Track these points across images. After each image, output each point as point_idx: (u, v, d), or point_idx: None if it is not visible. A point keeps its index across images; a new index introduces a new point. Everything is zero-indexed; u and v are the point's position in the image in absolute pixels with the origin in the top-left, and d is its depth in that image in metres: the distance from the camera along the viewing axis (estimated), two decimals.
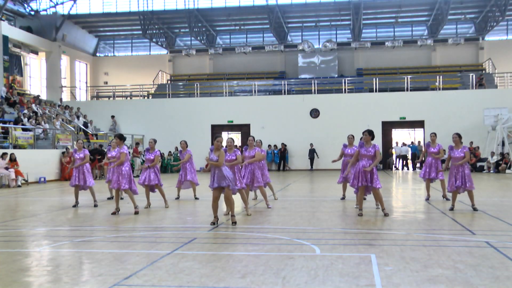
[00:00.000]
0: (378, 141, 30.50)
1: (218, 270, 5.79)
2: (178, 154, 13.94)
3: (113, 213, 10.88)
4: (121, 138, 11.34)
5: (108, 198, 14.18)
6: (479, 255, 6.47)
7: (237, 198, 10.67)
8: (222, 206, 10.63)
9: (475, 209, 10.84)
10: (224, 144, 9.44)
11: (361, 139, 11.45)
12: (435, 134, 13.39)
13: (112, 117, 32.95)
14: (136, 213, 10.90)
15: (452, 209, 11.00)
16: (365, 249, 6.97)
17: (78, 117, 30.69)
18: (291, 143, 31.07)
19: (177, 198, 13.91)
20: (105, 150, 25.08)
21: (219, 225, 9.15)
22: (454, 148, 11.01)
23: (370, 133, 10.19)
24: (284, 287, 5.14)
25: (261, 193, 11.92)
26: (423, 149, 30.73)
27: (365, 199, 11.95)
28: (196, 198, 13.85)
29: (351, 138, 12.99)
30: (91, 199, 12.95)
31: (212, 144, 9.29)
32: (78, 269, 6.06)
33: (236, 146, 11.18)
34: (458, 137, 11.07)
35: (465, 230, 8.50)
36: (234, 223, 9.11)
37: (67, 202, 14.04)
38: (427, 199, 13.12)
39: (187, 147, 13.94)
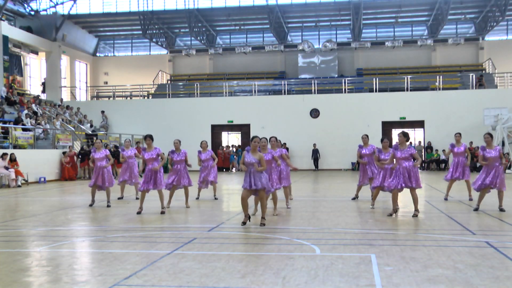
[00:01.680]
0: (378, 141, 30.54)
1: (218, 270, 5.79)
2: (199, 155, 13.83)
3: (162, 212, 10.92)
4: (152, 138, 11.33)
5: (119, 198, 14.19)
6: (479, 255, 6.47)
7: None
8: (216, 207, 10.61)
9: (502, 210, 10.67)
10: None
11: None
12: (460, 134, 13.28)
13: (102, 112, 32.86)
14: (163, 213, 10.93)
15: (477, 209, 10.88)
16: (365, 249, 6.97)
17: (81, 122, 30.65)
18: (291, 143, 31.04)
19: (198, 198, 14.00)
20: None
21: (246, 223, 9.05)
22: (487, 148, 10.89)
23: (405, 135, 10.08)
24: (284, 287, 5.14)
25: (273, 197, 11.75)
26: (422, 151, 30.84)
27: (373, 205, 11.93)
28: (216, 198, 13.91)
29: (365, 138, 12.89)
30: (92, 199, 12.93)
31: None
32: (78, 269, 6.06)
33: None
34: (490, 137, 10.96)
35: (465, 230, 8.50)
36: (263, 224, 8.98)
37: (67, 202, 14.06)
38: (446, 199, 13.07)
39: (207, 147, 13.97)
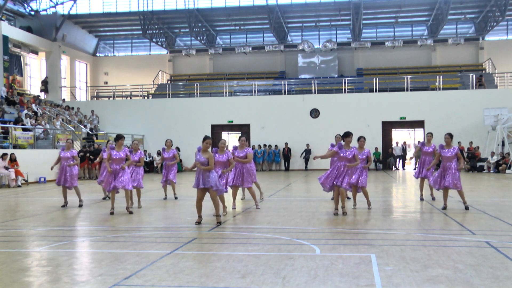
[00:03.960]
0: (378, 141, 30.57)
1: (218, 270, 5.79)
2: (162, 153, 13.95)
3: (130, 212, 10.98)
4: (119, 138, 11.32)
5: (103, 198, 14.16)
6: (479, 255, 6.47)
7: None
8: (208, 206, 10.62)
9: (466, 208, 10.99)
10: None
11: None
12: (431, 134, 13.41)
13: (92, 112, 32.78)
14: (131, 213, 10.99)
15: (445, 208, 11.15)
16: (365, 249, 6.97)
17: (80, 122, 30.64)
18: (291, 143, 31.08)
19: (165, 198, 14.03)
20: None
21: (214, 226, 9.13)
22: (445, 147, 11.23)
23: (346, 135, 10.42)
24: (284, 287, 5.14)
25: (250, 193, 11.92)
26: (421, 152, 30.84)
27: (349, 198, 12.29)
28: (176, 198, 13.95)
29: (338, 137, 13.04)
30: (93, 199, 12.93)
31: (216, 145, 9.29)
32: (78, 269, 6.06)
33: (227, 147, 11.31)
34: (450, 137, 11.35)
35: (465, 230, 8.50)
36: (219, 223, 9.09)
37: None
38: (422, 199, 13.21)
39: (171, 146, 14.10)
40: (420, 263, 6.02)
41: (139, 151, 12.46)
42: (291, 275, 5.55)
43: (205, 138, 9.05)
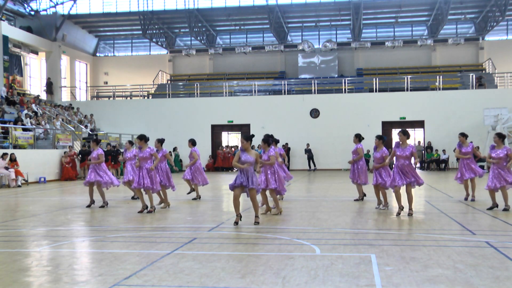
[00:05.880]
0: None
1: (218, 270, 5.79)
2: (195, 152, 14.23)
3: (150, 211, 11.19)
4: (141, 138, 11.52)
5: (133, 198, 14.23)
6: (479, 255, 6.47)
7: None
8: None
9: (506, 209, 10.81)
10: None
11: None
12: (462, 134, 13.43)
13: (91, 115, 32.81)
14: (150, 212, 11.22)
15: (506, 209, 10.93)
16: (365, 249, 6.97)
17: (81, 122, 30.66)
18: (291, 143, 31.07)
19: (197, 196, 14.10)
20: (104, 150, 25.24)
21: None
22: (496, 148, 10.96)
23: (404, 133, 10.27)
24: (284, 287, 5.14)
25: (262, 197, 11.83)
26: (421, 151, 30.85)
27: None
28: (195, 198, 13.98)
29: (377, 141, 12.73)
30: (95, 199, 12.93)
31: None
32: (78, 269, 6.06)
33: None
34: (498, 137, 11.04)
35: (465, 230, 8.50)
36: (257, 223, 9.15)
37: (67, 202, 14.05)
38: (466, 199, 13.04)
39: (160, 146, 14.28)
40: (420, 263, 6.02)
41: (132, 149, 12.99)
42: (291, 275, 5.55)
43: (248, 137, 9.01)
